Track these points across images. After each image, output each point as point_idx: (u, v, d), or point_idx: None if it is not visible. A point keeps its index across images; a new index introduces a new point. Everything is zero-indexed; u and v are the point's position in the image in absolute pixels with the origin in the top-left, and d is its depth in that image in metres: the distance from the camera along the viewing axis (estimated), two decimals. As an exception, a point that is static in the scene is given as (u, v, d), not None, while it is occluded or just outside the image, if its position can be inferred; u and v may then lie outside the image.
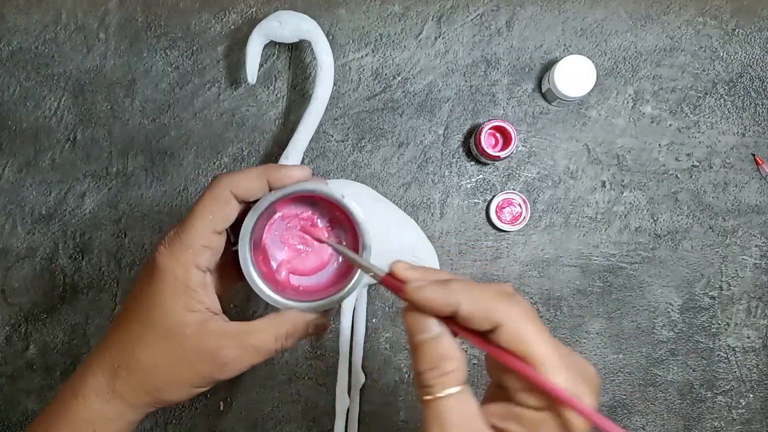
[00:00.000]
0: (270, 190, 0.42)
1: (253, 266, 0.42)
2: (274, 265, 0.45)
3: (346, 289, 0.43)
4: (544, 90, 0.65)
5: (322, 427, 0.66)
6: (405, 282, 0.35)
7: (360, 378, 0.64)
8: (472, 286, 0.34)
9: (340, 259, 0.46)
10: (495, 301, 0.33)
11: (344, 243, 0.45)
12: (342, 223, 0.45)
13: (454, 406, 0.33)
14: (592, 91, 0.66)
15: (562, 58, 0.62)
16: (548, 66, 0.65)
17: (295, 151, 0.62)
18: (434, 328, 0.34)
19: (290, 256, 0.46)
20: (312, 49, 0.60)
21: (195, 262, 0.41)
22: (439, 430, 0.33)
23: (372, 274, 0.38)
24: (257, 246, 0.44)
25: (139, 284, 0.43)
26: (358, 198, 0.48)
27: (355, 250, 0.43)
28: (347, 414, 0.63)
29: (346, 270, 0.45)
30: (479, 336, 0.34)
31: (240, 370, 0.42)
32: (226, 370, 0.42)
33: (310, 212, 0.45)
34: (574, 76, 0.62)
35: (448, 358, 0.34)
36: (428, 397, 0.33)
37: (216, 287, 0.44)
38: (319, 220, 0.46)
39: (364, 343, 0.65)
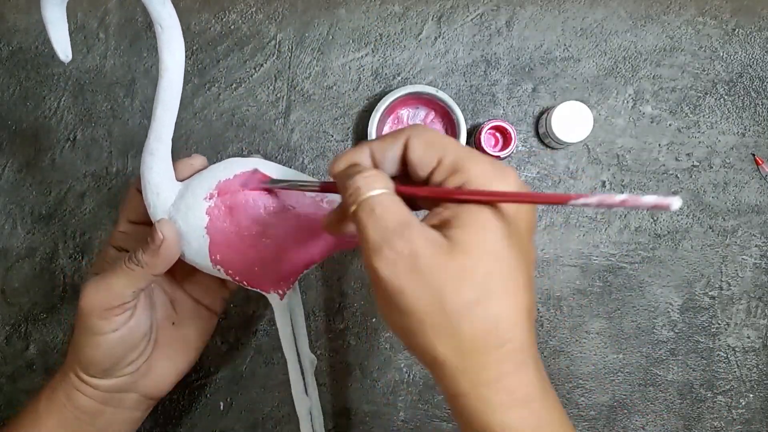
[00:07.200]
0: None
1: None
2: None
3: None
4: (540, 132, 0.65)
5: (322, 427, 0.66)
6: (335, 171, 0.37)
7: (312, 361, 0.55)
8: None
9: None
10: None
11: None
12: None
13: (385, 200, 0.33)
14: (592, 90, 0.66)
15: (559, 104, 0.62)
16: (545, 109, 0.65)
17: (161, 144, 0.45)
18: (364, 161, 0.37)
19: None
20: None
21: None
22: (373, 226, 0.32)
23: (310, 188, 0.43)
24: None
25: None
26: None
27: None
28: (311, 414, 0.55)
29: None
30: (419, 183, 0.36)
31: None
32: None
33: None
34: (570, 121, 0.62)
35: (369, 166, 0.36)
36: (361, 198, 0.33)
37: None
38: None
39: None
